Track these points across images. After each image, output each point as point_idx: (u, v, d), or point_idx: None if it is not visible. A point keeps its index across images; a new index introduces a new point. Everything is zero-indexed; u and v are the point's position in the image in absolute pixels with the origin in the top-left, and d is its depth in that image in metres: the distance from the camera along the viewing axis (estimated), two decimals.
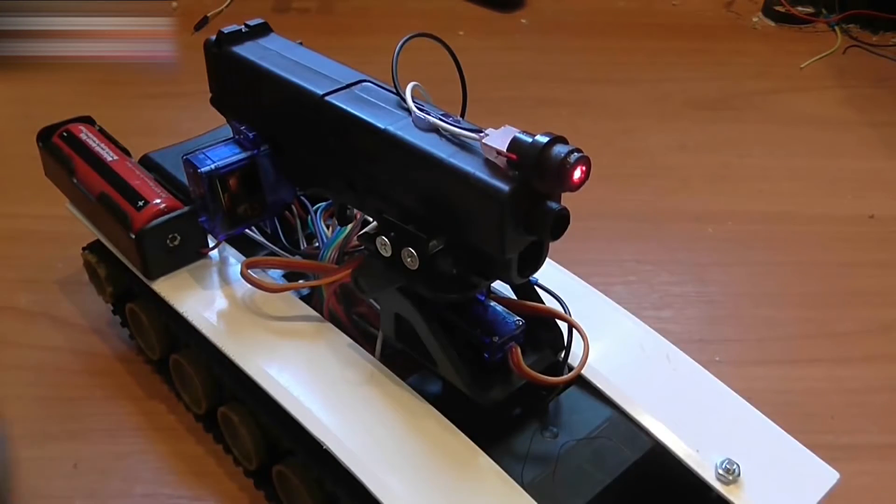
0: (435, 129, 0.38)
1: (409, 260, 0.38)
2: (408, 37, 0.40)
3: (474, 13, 1.09)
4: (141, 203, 0.47)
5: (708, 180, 0.78)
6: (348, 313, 0.46)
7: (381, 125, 0.39)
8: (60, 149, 0.53)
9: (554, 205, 0.35)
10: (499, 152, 0.35)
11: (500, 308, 0.41)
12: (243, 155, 0.46)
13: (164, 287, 0.47)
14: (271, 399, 0.41)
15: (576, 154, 0.34)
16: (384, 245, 0.39)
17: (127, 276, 0.51)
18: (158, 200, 0.48)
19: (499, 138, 0.35)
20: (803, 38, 1.06)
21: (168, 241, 0.47)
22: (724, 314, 0.63)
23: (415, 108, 0.39)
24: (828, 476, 0.40)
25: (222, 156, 0.45)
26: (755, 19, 1.09)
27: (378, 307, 0.44)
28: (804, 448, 0.41)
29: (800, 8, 1.07)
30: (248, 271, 0.46)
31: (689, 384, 0.44)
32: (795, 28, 1.07)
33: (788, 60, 1.00)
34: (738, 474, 0.39)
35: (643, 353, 0.45)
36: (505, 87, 0.91)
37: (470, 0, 1.10)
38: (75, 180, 0.51)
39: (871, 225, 0.73)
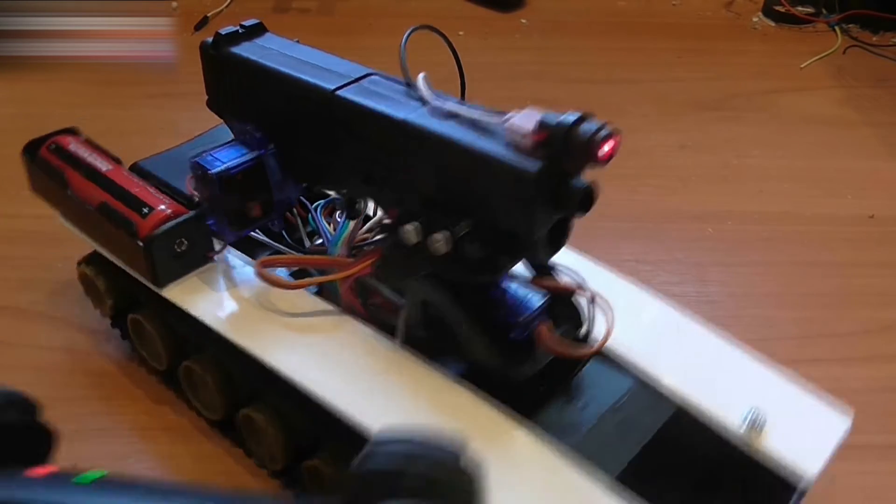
0: (453, 116, 0.39)
1: (437, 245, 0.38)
2: (412, 28, 0.41)
3: (474, 13, 1.09)
4: (146, 210, 0.47)
5: (708, 180, 0.78)
6: (365, 305, 0.46)
7: (399, 116, 0.40)
8: (50, 162, 0.52)
9: (582, 181, 0.36)
10: (525, 134, 0.36)
11: (520, 287, 0.42)
12: (251, 155, 0.45)
13: (175, 293, 0.47)
14: (301, 392, 0.41)
15: (604, 130, 0.35)
16: (410, 233, 0.39)
17: (129, 287, 0.51)
18: (163, 206, 0.47)
19: (524, 120, 0.36)
20: (803, 38, 1.06)
21: (175, 247, 0.47)
22: (724, 314, 0.62)
23: (432, 97, 0.40)
24: (842, 419, 0.43)
25: (230, 157, 0.45)
26: (755, 19, 1.09)
27: (395, 299, 0.44)
28: (817, 396, 0.44)
29: (800, 8, 1.07)
30: (265, 270, 0.46)
31: (702, 347, 0.46)
32: (795, 28, 1.07)
33: (788, 60, 1.00)
34: (764, 425, 0.41)
35: (654, 320, 0.47)
36: (505, 87, 0.91)
37: (470, 0, 1.10)
38: (70, 192, 0.50)
39: (871, 225, 0.73)
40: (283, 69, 0.44)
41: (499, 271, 0.40)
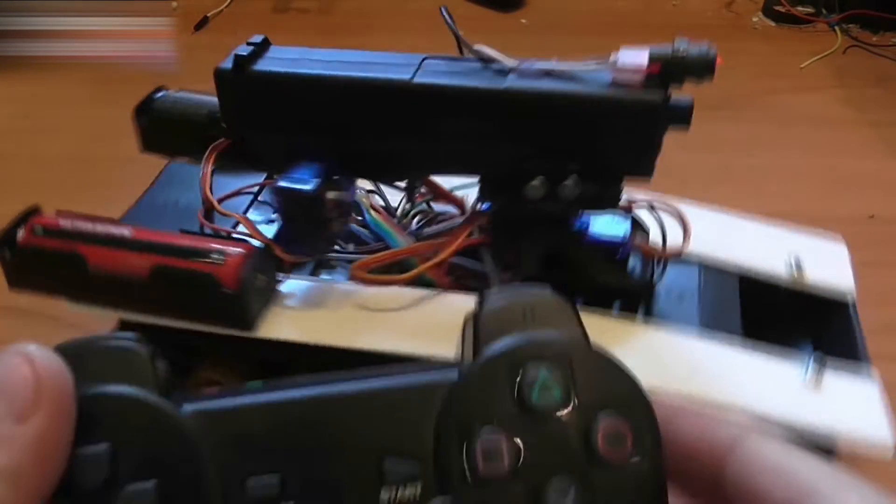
0: (547, 74, 0.41)
1: (568, 192, 0.41)
2: (442, 7, 0.46)
3: (474, 13, 1.09)
4: (216, 257, 0.43)
5: (708, 180, 0.78)
6: (460, 282, 0.47)
7: (500, 86, 0.41)
8: (46, 246, 0.46)
9: (683, 98, 0.41)
10: (638, 69, 0.39)
11: (601, 214, 0.46)
12: (321, 168, 0.44)
13: (267, 329, 0.44)
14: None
15: (713, 48, 0.39)
16: (538, 188, 0.41)
17: (189, 347, 0.48)
18: (232, 248, 0.43)
19: (632, 57, 0.39)
20: (803, 38, 1.05)
21: (258, 284, 0.44)
22: None
23: (516, 62, 0.41)
24: (839, 245, 0.53)
25: (307, 174, 0.43)
26: (755, 19, 1.09)
27: (475, 266, 0.46)
28: (815, 234, 0.53)
29: (800, 8, 1.07)
30: (363, 272, 0.45)
31: (725, 224, 0.54)
32: (795, 28, 1.07)
33: (788, 60, 1.00)
34: (803, 267, 0.49)
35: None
36: None
37: (470, 0, 1.10)
38: (93, 271, 0.44)
39: (871, 225, 0.73)
40: (336, 73, 0.44)
41: (618, 198, 0.43)
